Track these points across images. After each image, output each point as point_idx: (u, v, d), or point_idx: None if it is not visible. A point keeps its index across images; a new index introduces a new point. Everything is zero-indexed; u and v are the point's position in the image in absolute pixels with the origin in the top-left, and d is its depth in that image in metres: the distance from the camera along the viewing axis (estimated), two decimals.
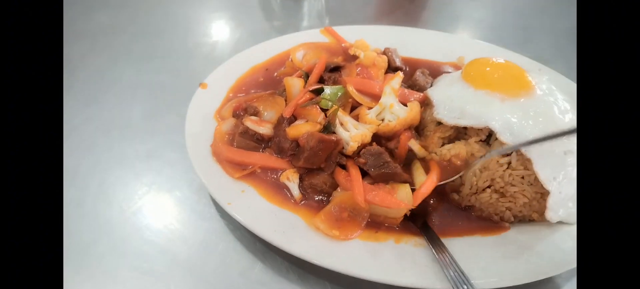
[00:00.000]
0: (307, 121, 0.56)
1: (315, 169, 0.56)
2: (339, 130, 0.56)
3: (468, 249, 0.51)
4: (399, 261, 0.49)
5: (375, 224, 0.54)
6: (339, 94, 0.59)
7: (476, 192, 0.55)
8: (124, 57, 0.79)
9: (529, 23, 0.92)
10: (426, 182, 0.53)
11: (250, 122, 0.59)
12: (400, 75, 0.64)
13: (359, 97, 0.60)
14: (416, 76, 0.68)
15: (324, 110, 0.58)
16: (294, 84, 0.61)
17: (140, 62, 0.77)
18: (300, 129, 0.55)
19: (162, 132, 0.66)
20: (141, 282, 0.50)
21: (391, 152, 0.58)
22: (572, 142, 0.53)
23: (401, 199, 0.52)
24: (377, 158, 0.55)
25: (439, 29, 0.89)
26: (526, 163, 0.52)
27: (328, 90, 0.59)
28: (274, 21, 0.89)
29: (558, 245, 0.52)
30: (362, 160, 0.55)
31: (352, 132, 0.56)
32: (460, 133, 0.58)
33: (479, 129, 0.55)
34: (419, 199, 0.52)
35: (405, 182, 0.54)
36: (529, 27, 0.91)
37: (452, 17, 0.93)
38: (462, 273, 0.45)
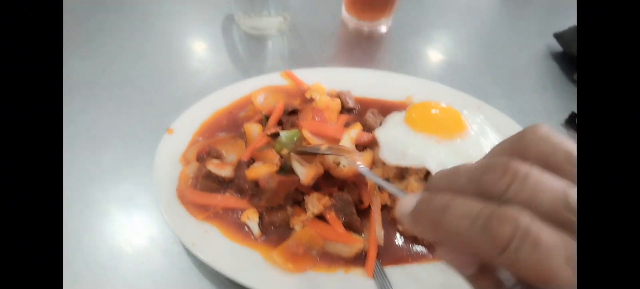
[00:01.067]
0: (264, 163, 0.62)
1: (275, 206, 0.62)
2: (295, 166, 0.61)
3: (409, 276, 0.57)
4: None
5: (330, 259, 0.60)
6: (295, 138, 0.65)
7: None
8: (94, 105, 0.82)
9: (475, 61, 1.01)
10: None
11: (212, 166, 0.64)
12: (359, 126, 0.70)
13: (313, 141, 0.66)
14: (367, 116, 0.74)
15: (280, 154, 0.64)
16: (253, 129, 0.67)
17: (111, 110, 0.82)
18: (259, 172, 0.60)
19: (132, 177, 0.70)
20: None
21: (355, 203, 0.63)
22: None
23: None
24: (345, 205, 0.61)
25: (393, 67, 0.97)
26: None
27: (284, 134, 0.65)
28: (238, 62, 0.95)
29: None
30: (332, 201, 0.61)
31: (306, 168, 0.61)
32: (402, 171, 0.65)
33: (418, 169, 0.62)
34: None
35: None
36: (476, 65, 1.00)
37: (406, 55, 1.01)
38: None
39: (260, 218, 0.61)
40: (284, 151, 0.63)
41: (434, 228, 0.28)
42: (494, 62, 1.01)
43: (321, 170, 0.61)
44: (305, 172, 0.60)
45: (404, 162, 0.62)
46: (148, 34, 1.00)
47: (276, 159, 0.63)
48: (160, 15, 1.06)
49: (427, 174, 0.62)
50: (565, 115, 0.89)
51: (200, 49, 0.97)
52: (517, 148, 0.29)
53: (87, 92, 0.84)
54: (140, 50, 0.95)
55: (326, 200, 0.61)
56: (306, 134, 0.66)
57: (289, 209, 0.62)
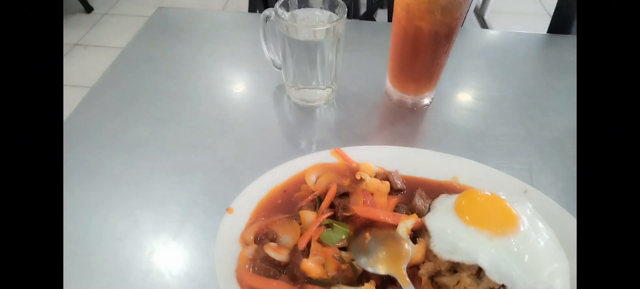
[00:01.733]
0: (319, 260, 0.65)
1: None
2: None
3: None
4: None
5: None
6: (343, 236, 0.69)
7: None
8: (157, 169, 0.89)
9: (519, 133, 1.02)
10: None
11: (270, 250, 0.68)
12: (415, 216, 0.72)
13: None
14: (415, 200, 0.77)
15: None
16: (307, 216, 0.71)
17: (173, 176, 0.88)
18: (311, 271, 0.64)
19: (191, 252, 0.75)
20: None
21: None
22: (552, 275, 0.61)
23: None
24: None
25: (437, 138, 1.00)
26: None
27: (331, 233, 0.69)
28: (289, 132, 1.00)
29: None
30: None
31: None
32: (454, 265, 0.66)
33: (470, 265, 0.64)
34: None
35: None
36: (520, 136, 1.01)
37: (449, 127, 1.03)
38: None
39: None
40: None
41: None
42: (537, 134, 1.01)
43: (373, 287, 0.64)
44: None
45: (456, 258, 0.64)
46: (202, 101, 1.07)
47: (332, 260, 0.66)
48: (216, 81, 1.14)
49: (479, 270, 0.63)
50: None
51: (253, 119, 1.04)
52: None
53: (139, 153, 0.91)
54: (193, 116, 1.03)
55: None
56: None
57: None
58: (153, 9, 1.43)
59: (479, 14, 4.38)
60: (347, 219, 0.73)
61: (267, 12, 0.97)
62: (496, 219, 0.66)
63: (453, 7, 0.82)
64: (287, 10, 0.99)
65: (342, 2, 0.94)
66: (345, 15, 0.93)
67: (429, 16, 0.84)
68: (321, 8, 1.00)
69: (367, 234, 0.70)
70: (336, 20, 0.92)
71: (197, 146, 0.94)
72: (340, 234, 0.69)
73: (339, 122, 1.04)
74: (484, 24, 4.25)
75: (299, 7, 1.00)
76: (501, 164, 0.93)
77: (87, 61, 3.54)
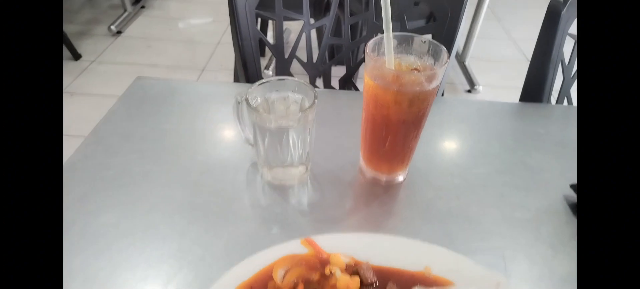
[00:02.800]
0: None
1: None
2: None
3: None
4: None
5: None
6: None
7: None
8: (122, 263, 0.86)
9: (491, 213, 1.02)
10: None
11: None
12: None
13: None
14: None
15: None
16: None
17: (137, 271, 0.84)
18: None
19: None
20: None
21: None
22: None
23: None
24: None
25: (410, 216, 0.99)
26: None
27: None
28: (259, 211, 0.99)
29: None
30: None
31: None
32: None
33: None
34: None
35: None
36: (491, 216, 1.01)
37: (422, 204, 1.03)
38: None
39: None
40: None
41: None
42: (510, 215, 1.02)
43: None
44: None
45: None
46: (173, 184, 1.06)
47: None
48: (188, 163, 1.13)
49: None
50: None
51: (225, 203, 1.02)
52: None
53: (114, 247, 0.88)
54: (163, 200, 1.00)
55: None
56: None
57: None
58: (142, 56, 1.44)
59: (460, 60, 4.55)
60: None
61: (237, 97, 0.98)
62: None
63: (420, 99, 0.84)
64: (261, 93, 1.00)
65: (313, 89, 0.96)
66: (315, 101, 0.94)
67: (397, 107, 0.85)
68: (293, 91, 1.01)
69: None
70: (307, 108, 0.93)
71: (165, 236, 0.92)
72: None
73: (312, 203, 1.02)
74: (465, 70, 4.40)
75: (272, 90, 1.01)
76: (475, 249, 0.92)
77: (74, 109, 3.54)
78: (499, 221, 0.99)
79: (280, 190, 1.05)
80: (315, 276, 0.78)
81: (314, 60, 1.74)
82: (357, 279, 0.77)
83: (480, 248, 0.92)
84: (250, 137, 1.08)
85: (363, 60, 1.11)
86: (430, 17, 3.03)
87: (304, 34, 1.68)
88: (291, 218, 0.98)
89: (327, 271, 0.78)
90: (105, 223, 0.94)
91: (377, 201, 1.04)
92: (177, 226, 0.94)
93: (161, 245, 0.89)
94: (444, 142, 1.26)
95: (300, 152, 1.02)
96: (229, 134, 1.23)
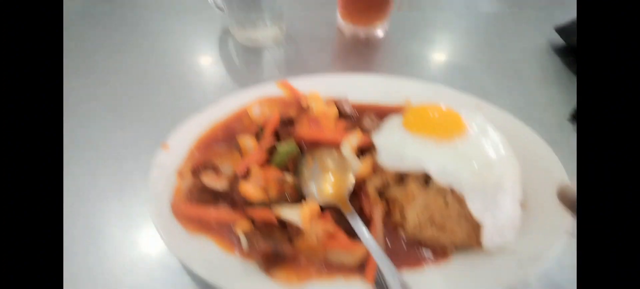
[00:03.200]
0: (259, 184, 0.61)
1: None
2: (287, 214, 0.58)
3: (411, 279, 0.55)
4: None
5: (332, 268, 0.58)
6: (293, 151, 0.64)
7: (419, 229, 0.60)
8: (89, 122, 0.83)
9: (475, 60, 0.99)
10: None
11: (207, 179, 0.63)
12: (359, 133, 0.69)
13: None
14: (364, 122, 0.73)
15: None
16: (247, 142, 0.66)
17: (107, 126, 0.82)
18: (251, 192, 0.60)
19: (128, 193, 0.70)
20: None
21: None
22: (501, 177, 0.59)
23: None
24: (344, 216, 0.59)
25: (392, 71, 0.96)
26: (461, 200, 0.57)
27: (281, 149, 0.64)
28: (235, 74, 0.95)
29: (497, 269, 0.57)
30: (330, 212, 0.60)
31: (300, 209, 0.58)
32: (402, 175, 0.63)
33: (417, 173, 0.61)
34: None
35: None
36: (476, 63, 0.98)
37: (404, 58, 0.99)
38: None
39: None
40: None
41: None
42: (494, 59, 0.99)
43: (316, 207, 0.60)
44: (301, 216, 0.58)
45: (402, 167, 0.61)
46: (144, 50, 1.00)
47: (274, 182, 0.62)
48: (156, 32, 1.06)
49: (428, 178, 0.60)
50: (570, 109, 0.86)
51: (197, 63, 0.98)
52: None
53: (84, 108, 0.84)
54: (136, 66, 0.95)
55: (325, 219, 0.59)
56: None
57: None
58: None
59: None
60: None
61: None
62: (443, 127, 0.63)
63: None
64: None
65: None
66: None
67: None
68: None
69: (310, 159, 0.66)
70: None
71: (133, 94, 0.88)
72: (288, 149, 0.64)
73: (288, 61, 0.98)
74: None
75: None
76: (457, 87, 0.90)
77: None
78: (483, 64, 0.97)
79: (255, 52, 1.00)
80: (292, 112, 0.75)
81: None
82: (334, 108, 0.74)
83: (465, 86, 0.90)
84: (219, 0, 1.01)
85: None
86: None
87: None
88: (266, 73, 0.95)
89: (303, 105, 0.75)
90: (75, 88, 0.90)
91: (356, 55, 1.00)
92: (145, 88, 0.90)
93: (128, 103, 0.86)
94: (427, 3, 1.20)
95: (272, 10, 0.96)
96: (197, 3, 1.16)
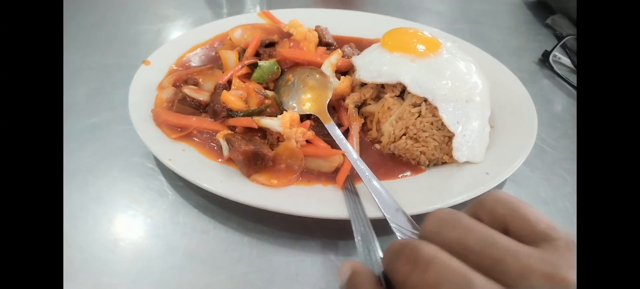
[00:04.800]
0: (240, 95, 0.62)
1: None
2: (267, 123, 0.60)
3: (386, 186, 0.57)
4: (326, 198, 0.55)
5: (311, 175, 0.60)
6: (273, 68, 0.66)
7: (394, 141, 0.63)
8: (69, 44, 0.81)
9: (450, 6, 1.03)
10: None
11: (189, 90, 0.64)
12: (338, 52, 0.70)
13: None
14: (344, 48, 0.75)
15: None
16: (229, 57, 0.67)
17: (85, 48, 0.80)
18: (233, 102, 0.61)
19: (108, 108, 0.69)
20: (88, 237, 0.53)
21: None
22: (472, 92, 0.62)
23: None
24: (324, 126, 0.61)
25: (369, 11, 0.98)
26: (434, 111, 0.60)
27: (262, 63, 0.65)
28: (217, 8, 0.95)
29: (466, 180, 0.60)
30: (310, 122, 0.61)
31: (280, 117, 0.60)
32: (379, 92, 0.66)
33: (393, 86, 0.63)
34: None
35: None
36: (450, 10, 1.02)
37: (384, 3, 1.02)
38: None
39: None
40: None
41: None
42: (469, 8, 1.03)
43: (296, 115, 0.61)
44: (281, 122, 0.59)
45: (379, 79, 0.63)
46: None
47: (254, 95, 0.63)
48: None
49: (403, 91, 0.63)
50: (538, 54, 0.91)
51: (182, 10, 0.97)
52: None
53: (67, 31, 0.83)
54: None
55: (305, 127, 0.61)
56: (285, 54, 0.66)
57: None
58: None
59: None
60: None
61: None
62: (419, 46, 0.66)
63: None
64: None
65: None
66: None
67: None
68: None
69: (291, 76, 0.68)
70: None
71: (109, 19, 0.87)
72: (270, 66, 0.66)
73: (271, 1, 0.99)
74: None
75: None
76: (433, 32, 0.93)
77: None
78: (457, 11, 1.00)
79: None
80: (274, 37, 0.76)
81: None
82: (315, 33, 0.76)
83: (440, 30, 0.93)
84: None
85: None
86: None
87: None
88: (249, 8, 0.95)
89: (284, 29, 0.77)
90: None
91: (338, 1, 1.01)
92: (138, 23, 0.89)
93: (118, 25, 0.85)
94: None
95: None
96: None
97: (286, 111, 0.64)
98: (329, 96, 0.66)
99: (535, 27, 1.01)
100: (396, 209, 0.48)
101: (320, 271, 0.51)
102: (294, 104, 0.65)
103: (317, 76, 0.68)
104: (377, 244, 0.46)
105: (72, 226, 0.54)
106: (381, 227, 0.48)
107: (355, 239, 0.47)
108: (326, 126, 0.62)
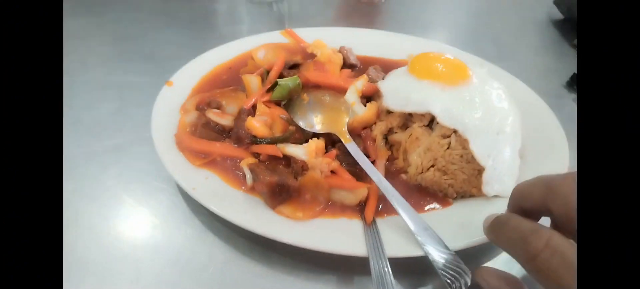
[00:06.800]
0: (265, 121, 0.61)
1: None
2: (291, 150, 0.59)
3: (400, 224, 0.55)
4: (347, 233, 0.53)
5: (335, 207, 0.58)
6: (294, 83, 0.64)
7: (422, 172, 0.61)
8: (91, 60, 0.81)
9: (476, 26, 1.00)
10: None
11: (212, 114, 0.63)
12: (365, 77, 0.69)
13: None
14: (369, 71, 0.74)
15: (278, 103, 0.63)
16: (252, 81, 0.66)
17: (107, 65, 0.80)
18: (255, 126, 0.60)
19: (130, 128, 0.69)
20: (112, 264, 0.52)
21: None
22: (503, 123, 0.60)
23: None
24: (348, 156, 0.60)
25: (394, 31, 0.96)
26: (464, 143, 0.59)
27: (281, 81, 0.64)
28: (240, 25, 0.94)
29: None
30: (336, 151, 0.60)
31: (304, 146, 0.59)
32: (407, 120, 0.64)
33: (422, 115, 0.62)
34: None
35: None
36: (477, 29, 1.00)
37: (405, 20, 1.00)
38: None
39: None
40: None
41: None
42: (495, 27, 1.00)
43: (321, 144, 0.60)
44: (306, 151, 0.58)
45: (407, 108, 0.61)
46: None
47: (279, 121, 0.62)
48: None
49: (432, 120, 0.61)
50: (567, 77, 0.88)
51: (203, 10, 0.96)
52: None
53: (83, 49, 0.82)
54: (143, 7, 0.94)
55: (330, 157, 0.60)
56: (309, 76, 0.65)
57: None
58: None
59: None
60: None
61: None
62: (449, 73, 0.64)
63: None
64: None
65: None
66: None
67: None
68: None
69: (305, 96, 0.66)
70: None
71: (132, 36, 0.86)
72: (290, 82, 0.64)
73: (292, 15, 0.98)
74: None
75: None
76: (460, 48, 0.91)
77: None
78: (483, 31, 0.98)
79: (260, 4, 0.99)
80: (297, 58, 0.75)
81: None
82: (339, 55, 0.75)
83: (465, 50, 0.90)
84: None
85: None
86: None
87: None
88: (271, 26, 0.94)
89: (309, 50, 0.75)
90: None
91: (358, 13, 1.00)
92: (146, 24, 0.88)
93: (140, 42, 0.84)
94: None
95: None
96: None
97: (301, 127, 0.62)
98: (347, 114, 0.64)
99: (562, 47, 0.98)
100: (425, 228, 0.50)
101: None
102: (313, 121, 0.63)
103: (333, 96, 0.66)
104: (393, 283, 0.46)
105: (94, 253, 0.53)
106: (397, 265, 0.48)
107: (372, 278, 0.47)
108: (347, 145, 0.60)
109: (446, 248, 0.47)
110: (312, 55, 0.75)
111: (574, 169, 0.61)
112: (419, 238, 0.49)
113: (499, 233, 0.41)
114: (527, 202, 0.41)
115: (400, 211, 0.51)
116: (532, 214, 0.41)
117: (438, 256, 0.47)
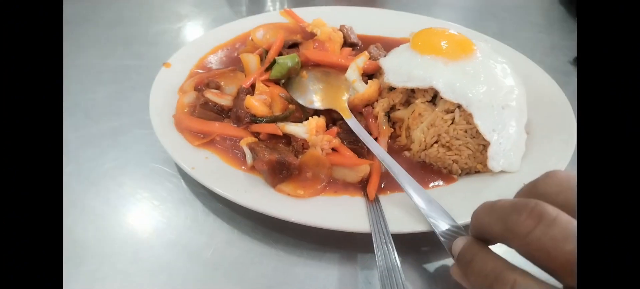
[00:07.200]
0: (264, 100, 0.60)
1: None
2: (292, 130, 0.58)
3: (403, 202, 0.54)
4: (350, 210, 0.52)
5: (337, 185, 0.57)
6: (293, 61, 0.62)
7: (425, 149, 0.60)
8: (86, 44, 0.80)
9: (479, 5, 0.98)
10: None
11: (211, 94, 0.62)
12: (366, 54, 0.67)
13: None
14: (370, 49, 0.72)
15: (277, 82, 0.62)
16: (251, 60, 0.65)
17: (103, 49, 0.79)
18: (257, 107, 0.58)
19: (127, 111, 0.68)
20: (112, 246, 0.52)
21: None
22: (508, 97, 0.59)
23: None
24: (350, 133, 0.59)
25: (394, 9, 0.94)
26: (468, 118, 0.57)
27: (280, 58, 0.62)
28: (238, 7, 0.92)
29: (501, 191, 0.57)
30: (337, 129, 0.59)
31: (304, 124, 0.58)
32: (409, 97, 0.63)
33: (424, 91, 0.60)
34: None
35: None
36: (481, 6, 0.98)
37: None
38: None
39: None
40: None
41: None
42: (494, 2, 0.98)
43: (322, 121, 0.59)
44: (307, 129, 0.57)
45: (410, 84, 0.60)
46: None
47: (279, 100, 0.60)
48: None
49: (435, 96, 0.60)
50: (573, 54, 0.87)
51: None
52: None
53: (78, 33, 0.81)
54: None
55: (331, 135, 0.58)
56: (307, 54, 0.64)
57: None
58: None
59: None
60: None
61: None
62: (452, 48, 0.62)
63: None
64: None
65: None
66: None
67: None
68: None
69: (304, 73, 0.65)
70: None
71: (128, 19, 0.85)
72: (288, 60, 0.63)
73: None
74: None
75: None
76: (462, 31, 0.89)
77: None
78: (488, 7, 0.96)
79: None
80: (297, 37, 0.74)
81: None
82: (339, 33, 0.73)
83: (469, 27, 0.88)
84: None
85: None
86: None
87: None
88: (270, 6, 0.92)
89: (308, 30, 0.74)
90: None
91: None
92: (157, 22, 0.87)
93: (136, 25, 0.83)
94: None
95: None
96: None
97: (301, 105, 0.61)
98: (347, 91, 0.63)
99: (568, 24, 0.96)
100: (430, 201, 0.49)
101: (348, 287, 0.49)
102: (313, 99, 0.62)
103: (333, 74, 0.65)
104: (397, 259, 0.45)
105: (93, 236, 0.53)
106: (401, 242, 0.47)
107: (376, 254, 0.46)
108: (348, 121, 0.59)
109: (452, 220, 0.46)
110: (312, 35, 0.73)
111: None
112: (424, 211, 0.48)
113: (464, 273, 0.38)
114: (486, 235, 0.37)
115: (403, 184, 0.50)
116: (494, 241, 0.37)
117: (444, 228, 0.45)
